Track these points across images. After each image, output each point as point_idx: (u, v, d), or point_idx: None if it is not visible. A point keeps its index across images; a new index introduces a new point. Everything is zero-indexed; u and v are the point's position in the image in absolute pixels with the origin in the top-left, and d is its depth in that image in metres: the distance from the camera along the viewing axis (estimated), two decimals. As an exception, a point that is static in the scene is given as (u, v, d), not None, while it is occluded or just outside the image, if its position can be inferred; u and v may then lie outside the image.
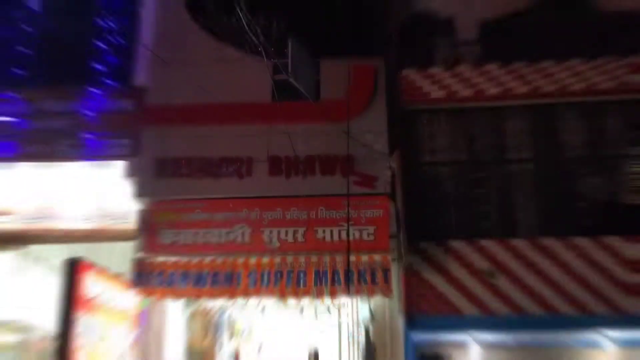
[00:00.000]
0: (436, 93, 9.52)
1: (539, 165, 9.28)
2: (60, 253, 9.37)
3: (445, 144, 9.50)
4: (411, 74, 9.61)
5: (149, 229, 8.86)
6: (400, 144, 9.12)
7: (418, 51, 9.88)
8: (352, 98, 9.05)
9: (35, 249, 10.08)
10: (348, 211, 8.31)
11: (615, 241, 8.66)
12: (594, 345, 9.07)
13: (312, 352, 11.32)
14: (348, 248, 8.19)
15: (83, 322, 7.69)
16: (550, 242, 8.71)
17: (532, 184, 9.17)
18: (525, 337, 8.90)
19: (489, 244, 8.79)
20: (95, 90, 9.74)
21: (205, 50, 9.69)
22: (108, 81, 10.00)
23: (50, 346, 12.86)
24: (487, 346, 9.16)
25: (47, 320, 11.90)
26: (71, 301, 7.57)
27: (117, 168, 9.40)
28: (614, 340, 8.84)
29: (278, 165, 9.02)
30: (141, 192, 9.08)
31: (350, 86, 9.17)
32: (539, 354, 9.17)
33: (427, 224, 9.06)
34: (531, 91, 9.38)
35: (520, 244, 8.75)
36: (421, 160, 9.45)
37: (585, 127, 9.31)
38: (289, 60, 8.26)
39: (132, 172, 9.16)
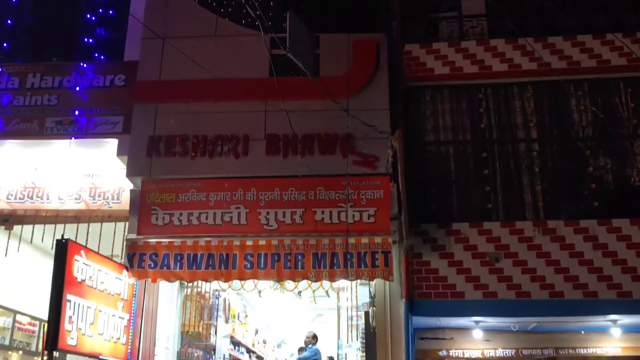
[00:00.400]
0: (440, 69, 9.26)
1: (545, 145, 9.01)
2: (50, 234, 9.20)
3: (449, 123, 9.24)
4: (414, 49, 9.34)
5: (142, 210, 8.61)
6: (403, 122, 8.83)
7: (422, 26, 9.57)
8: (352, 74, 8.79)
9: (23, 229, 9.80)
10: (347, 192, 8.07)
11: (623, 224, 8.41)
12: (600, 330, 8.92)
13: (310, 335, 11.15)
14: (347, 230, 7.97)
15: (74, 305, 7.46)
16: (557, 225, 8.46)
17: (538, 164, 8.91)
18: (529, 321, 8.73)
19: (493, 227, 8.56)
20: (84, 65, 9.45)
21: (200, 24, 9.41)
22: (98, 56, 9.73)
23: (40, 328, 12.77)
24: (490, 331, 9.00)
25: (36, 303, 11.77)
26: (62, 283, 7.36)
27: (108, 146, 9.14)
28: (620, 325, 8.68)
29: (275, 144, 8.77)
30: (133, 171, 8.84)
31: (351, 62, 8.87)
32: (543, 339, 9.03)
33: (429, 206, 8.85)
34: (539, 68, 9.07)
35: (525, 226, 8.51)
36: (424, 140, 9.21)
37: (594, 105, 9.02)
38: (287, 35, 8.02)
39: (123, 151, 8.89)
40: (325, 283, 8.91)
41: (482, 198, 8.86)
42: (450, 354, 9.08)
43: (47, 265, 8.26)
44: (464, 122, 9.24)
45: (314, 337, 10.97)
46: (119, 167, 9.20)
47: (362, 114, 8.57)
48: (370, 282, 8.96)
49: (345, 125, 8.44)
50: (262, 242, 8.41)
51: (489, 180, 8.91)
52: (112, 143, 9.06)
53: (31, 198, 9.53)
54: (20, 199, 9.53)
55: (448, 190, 8.97)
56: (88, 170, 9.61)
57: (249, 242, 8.42)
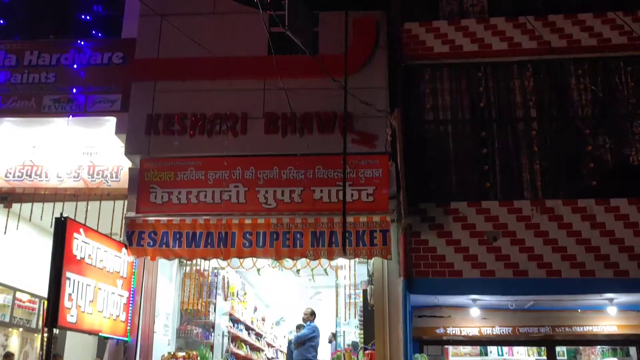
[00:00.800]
0: (440, 47, 9.20)
1: (544, 124, 8.98)
2: (49, 212, 9.20)
3: (448, 102, 9.20)
4: (414, 28, 9.29)
5: (141, 188, 8.61)
6: (402, 101, 8.80)
7: (421, 3, 9.49)
8: (351, 52, 8.70)
9: (22, 208, 9.80)
10: (344, 170, 8.06)
11: (621, 203, 8.42)
12: (596, 308, 8.98)
13: (308, 312, 11.23)
14: (344, 208, 7.97)
15: (74, 282, 7.50)
16: (555, 204, 8.48)
17: (537, 143, 8.88)
18: (526, 300, 8.78)
19: (492, 206, 8.57)
20: (82, 43, 9.38)
21: (198, 1, 9.35)
22: (95, 33, 9.65)
23: (40, 306, 12.84)
24: (488, 309, 9.06)
25: (36, 280, 11.82)
26: (61, 261, 7.38)
27: (106, 124, 9.12)
28: (617, 304, 8.73)
29: (274, 123, 8.75)
30: (132, 150, 8.82)
31: (350, 40, 8.81)
32: (540, 317, 9.09)
33: (428, 185, 8.84)
34: (539, 46, 9.03)
35: (523, 205, 8.52)
36: (423, 119, 9.17)
37: (594, 84, 8.99)
38: (286, 12, 7.97)
39: (122, 129, 8.87)
40: (324, 261, 8.95)
41: (481, 177, 8.85)
42: (448, 331, 9.15)
43: (47, 244, 8.28)
44: (463, 101, 9.20)
45: (312, 314, 11.04)
46: (118, 145, 9.18)
47: (361, 93, 8.53)
48: (369, 260, 9.00)
49: (344, 104, 8.40)
50: (260, 220, 8.42)
51: (487, 159, 8.90)
52: (111, 121, 9.04)
53: (30, 176, 9.53)
54: (18, 177, 9.53)
55: (446, 169, 8.95)
56: (86, 149, 9.59)
57: (248, 221, 8.43)
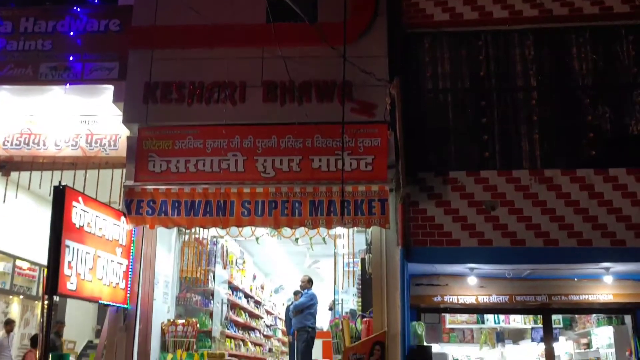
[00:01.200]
0: (440, 15, 9.11)
1: (544, 93, 8.93)
2: (47, 181, 9.20)
3: (448, 70, 9.14)
4: (414, -5, 9.14)
5: (139, 157, 8.59)
6: (401, 69, 8.73)
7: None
8: (350, 20, 8.60)
9: (20, 176, 9.79)
10: (343, 139, 8.04)
11: (619, 173, 8.42)
12: (593, 277, 9.06)
13: (306, 279, 11.31)
14: (342, 177, 7.97)
15: (73, 250, 7.52)
16: (553, 174, 8.48)
17: (537, 113, 8.84)
18: (523, 269, 8.84)
19: (490, 175, 8.58)
20: (78, 9, 9.27)
21: (195, -33, 9.17)
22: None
23: (40, 273, 12.92)
24: (485, 278, 9.13)
25: (36, 248, 11.88)
26: (60, 229, 7.39)
27: (104, 92, 9.06)
28: (613, 273, 8.80)
29: (273, 91, 8.70)
30: (130, 118, 8.79)
31: (350, 8, 8.69)
32: (536, 286, 9.16)
33: (426, 154, 8.84)
34: (540, 15, 8.93)
35: (522, 175, 8.53)
36: (422, 87, 9.12)
37: (595, 53, 8.92)
38: (285, -22, 7.80)
39: (119, 97, 8.82)
40: (322, 230, 8.97)
41: (480, 146, 8.83)
42: (445, 299, 9.24)
43: (46, 212, 8.29)
44: (463, 69, 9.14)
45: (309, 281, 11.12)
46: (115, 113, 9.14)
47: (360, 61, 8.44)
48: (367, 229, 9.02)
49: (343, 72, 8.33)
50: (259, 189, 8.42)
51: (486, 128, 8.87)
52: (108, 89, 8.99)
53: (27, 144, 9.51)
54: (16, 145, 9.50)
55: (446, 139, 8.93)
56: (84, 117, 9.56)
57: (246, 190, 8.43)
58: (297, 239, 10.01)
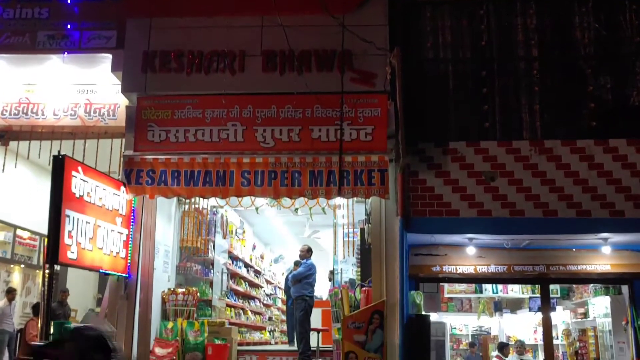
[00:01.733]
0: (441, -17, 8.98)
1: (546, 64, 8.86)
2: (47, 151, 9.18)
3: (448, 40, 9.05)
4: (414, -38, 9.03)
5: (138, 126, 8.56)
6: (402, 39, 8.65)
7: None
8: (350, -13, 8.49)
9: (19, 146, 9.77)
10: (342, 109, 8.00)
11: (619, 144, 8.41)
12: (591, 247, 9.09)
13: (305, 249, 11.35)
14: (340, 147, 7.95)
15: (73, 220, 7.54)
16: (553, 145, 8.47)
17: (538, 83, 8.78)
18: (522, 239, 8.88)
19: (490, 146, 8.56)
20: (75, -24, 9.17)
21: None
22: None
23: (40, 243, 12.99)
24: (484, 248, 9.17)
25: (36, 218, 11.91)
26: (60, 198, 7.40)
27: (102, 61, 8.99)
28: (611, 243, 8.83)
29: (272, 60, 8.63)
30: (128, 87, 8.74)
31: (350, -25, 8.57)
32: (535, 256, 9.21)
33: (426, 124, 8.78)
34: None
35: (522, 146, 8.51)
36: (423, 57, 9.04)
37: (598, 22, 8.82)
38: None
39: (118, 66, 8.76)
40: (322, 200, 8.98)
41: (480, 117, 8.79)
42: (444, 269, 9.29)
43: (46, 182, 8.30)
44: (464, 39, 9.06)
45: (309, 251, 11.15)
46: (114, 82, 9.09)
47: (360, 30, 8.37)
48: (367, 199, 9.04)
49: (342, 41, 8.25)
50: (258, 159, 8.40)
51: (487, 99, 8.82)
52: (107, 58, 8.92)
53: (26, 114, 9.46)
54: (15, 114, 9.46)
55: (446, 109, 8.90)
56: (83, 86, 9.50)
57: (246, 160, 8.42)
58: (296, 209, 10.03)
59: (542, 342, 10.56)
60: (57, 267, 7.63)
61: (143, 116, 8.58)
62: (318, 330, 10.63)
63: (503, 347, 11.35)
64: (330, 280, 12.56)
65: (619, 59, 8.83)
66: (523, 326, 12.75)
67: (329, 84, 8.41)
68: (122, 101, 9.13)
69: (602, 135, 8.47)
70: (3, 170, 9.66)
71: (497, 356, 11.12)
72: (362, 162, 8.26)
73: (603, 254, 9.08)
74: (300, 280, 10.59)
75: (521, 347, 11.46)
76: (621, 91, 8.73)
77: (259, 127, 8.44)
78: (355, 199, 8.93)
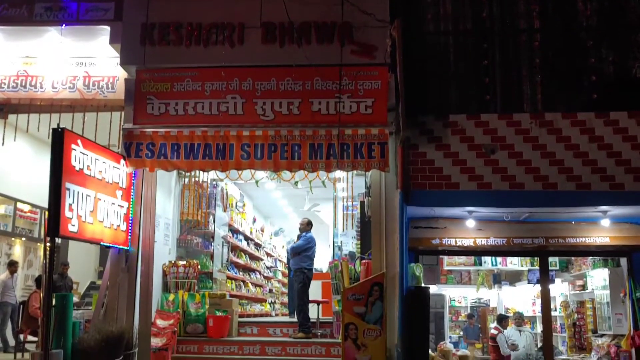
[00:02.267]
0: (442, -45, 8.85)
1: (547, 35, 8.78)
2: (46, 124, 9.16)
3: (449, 12, 8.95)
4: None
5: (137, 99, 8.52)
6: (402, 11, 8.56)
7: None
8: (351, -42, 8.38)
9: (18, 119, 9.73)
10: (340, 81, 7.95)
11: (620, 117, 8.38)
12: (590, 220, 9.12)
13: (305, 222, 11.39)
14: (339, 119, 7.93)
15: (74, 193, 7.55)
16: (554, 117, 8.43)
17: (539, 55, 8.71)
18: (522, 212, 8.90)
19: (491, 118, 8.53)
20: (72, -54, 9.05)
21: None
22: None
23: (41, 216, 13.03)
24: (483, 220, 9.20)
25: (36, 191, 11.93)
26: (60, 172, 7.39)
27: (100, 33, 8.92)
28: (610, 216, 8.86)
29: (272, 33, 8.55)
30: (127, 60, 8.67)
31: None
32: (534, 229, 9.24)
33: (427, 97, 8.74)
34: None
35: (522, 118, 8.48)
36: (423, 29, 8.95)
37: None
38: None
39: (116, 39, 8.69)
40: (322, 174, 8.99)
41: (481, 89, 8.73)
42: (443, 242, 9.32)
43: (45, 155, 8.28)
44: (465, 11, 8.95)
45: (309, 224, 11.19)
46: (112, 55, 9.02)
47: (360, 2, 8.30)
48: (366, 172, 9.04)
49: (341, 13, 8.17)
50: (258, 132, 8.38)
51: (488, 71, 8.75)
52: (105, 31, 8.84)
53: (24, 87, 9.41)
54: (13, 87, 9.40)
55: (446, 81, 8.84)
56: (81, 59, 9.42)
57: (246, 133, 8.39)
58: (296, 182, 10.05)
59: (540, 314, 10.65)
60: (58, 240, 7.65)
61: (142, 89, 8.54)
62: (318, 302, 10.73)
63: (502, 319, 11.46)
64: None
65: (621, 31, 8.75)
66: (522, 298, 12.86)
67: (329, 56, 8.35)
68: (121, 74, 9.08)
69: (603, 108, 8.43)
70: (2, 143, 9.63)
71: (495, 327, 11.23)
72: (362, 135, 8.24)
73: (602, 227, 9.10)
74: (299, 253, 10.66)
75: (519, 319, 11.57)
76: (623, 64, 8.66)
77: (258, 100, 8.40)
78: (355, 172, 8.96)
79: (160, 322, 9.37)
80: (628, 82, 8.63)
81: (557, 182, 8.25)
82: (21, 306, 10.84)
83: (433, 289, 9.79)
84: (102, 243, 8.31)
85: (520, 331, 11.22)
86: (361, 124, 8.24)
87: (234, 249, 13.43)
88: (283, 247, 19.31)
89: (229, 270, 12.55)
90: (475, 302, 13.52)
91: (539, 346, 11.16)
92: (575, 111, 8.44)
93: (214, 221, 11.65)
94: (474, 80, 8.79)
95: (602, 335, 10.30)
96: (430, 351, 8.57)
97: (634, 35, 8.68)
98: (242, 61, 8.53)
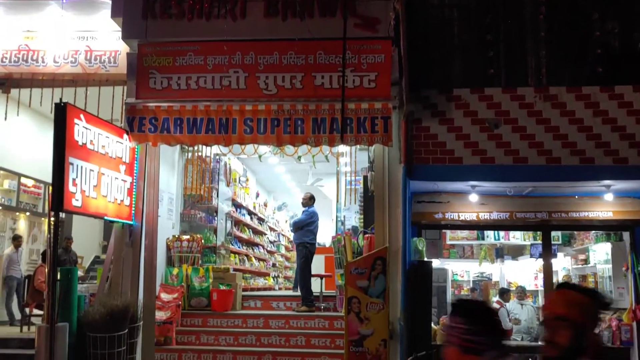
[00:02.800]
0: None
1: (552, 8, 8.67)
2: (48, 98, 9.14)
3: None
4: None
5: (140, 73, 8.48)
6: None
7: None
8: None
9: (21, 93, 9.71)
10: (344, 55, 7.89)
11: (625, 91, 8.32)
12: (593, 195, 9.11)
13: (307, 197, 11.41)
14: (343, 94, 7.87)
15: (77, 167, 7.56)
16: (558, 91, 8.38)
17: (544, 29, 8.62)
18: (525, 186, 8.88)
19: (495, 93, 8.47)
20: None
21: None
22: None
23: (45, 191, 13.05)
24: (486, 195, 9.19)
25: (40, 166, 11.94)
26: (63, 146, 7.39)
27: (102, 7, 8.86)
28: (613, 190, 8.84)
29: (274, 6, 8.47)
30: (129, 34, 8.62)
31: None
32: (537, 203, 9.24)
33: (430, 71, 8.68)
34: None
35: (526, 92, 8.43)
36: (427, 3, 8.86)
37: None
38: None
39: (117, 12, 8.62)
40: (325, 148, 8.97)
41: (484, 63, 8.65)
42: (446, 216, 9.33)
43: (48, 130, 8.27)
44: (469, -17, 8.87)
45: (311, 199, 11.21)
46: (114, 29, 8.96)
47: (363, -26, 8.21)
48: (370, 147, 9.03)
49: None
50: (261, 107, 8.34)
51: (492, 45, 8.67)
52: (106, 4, 8.78)
53: (26, 61, 9.38)
54: (15, 61, 9.37)
55: (450, 55, 8.78)
56: (83, 33, 9.38)
57: (249, 107, 8.35)
58: (299, 157, 10.05)
59: (542, 288, 10.70)
60: (62, 215, 7.68)
61: (144, 63, 8.49)
62: (321, 276, 10.79)
63: (504, 293, 11.51)
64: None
65: (626, 4, 8.65)
66: (524, 272, 12.89)
67: (331, 29, 8.26)
68: (123, 48, 9.03)
69: (608, 81, 8.37)
70: (5, 118, 9.63)
71: (497, 301, 11.28)
72: (365, 109, 8.19)
73: (605, 201, 9.09)
74: (302, 227, 10.69)
75: (521, 293, 11.62)
76: (628, 37, 8.58)
77: (261, 74, 8.35)
78: (358, 146, 8.92)
79: (164, 296, 9.45)
80: (633, 56, 8.55)
81: (560, 157, 8.22)
82: (27, 280, 10.93)
83: (436, 263, 9.83)
84: (105, 217, 8.35)
85: (522, 305, 11.27)
86: (364, 98, 8.20)
87: (237, 223, 13.47)
88: (286, 221, 19.37)
89: (232, 245, 12.60)
90: (477, 276, 13.56)
91: (540, 319, 11.23)
92: (579, 85, 8.38)
93: (217, 196, 11.68)
94: (478, 54, 8.71)
95: (603, 309, 10.34)
96: (432, 325, 8.64)
97: (639, 9, 8.57)
98: (244, 35, 8.47)
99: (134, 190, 8.75)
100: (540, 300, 11.69)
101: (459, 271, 13.66)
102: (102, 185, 8.08)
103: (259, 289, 13.30)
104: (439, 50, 8.80)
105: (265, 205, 16.83)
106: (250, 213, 14.63)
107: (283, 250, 19.04)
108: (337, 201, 11.41)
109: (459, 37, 8.81)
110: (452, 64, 8.78)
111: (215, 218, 11.65)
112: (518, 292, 11.70)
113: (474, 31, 8.80)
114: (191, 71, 8.41)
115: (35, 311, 10.11)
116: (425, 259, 8.51)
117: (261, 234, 15.91)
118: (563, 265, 12.25)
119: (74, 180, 7.51)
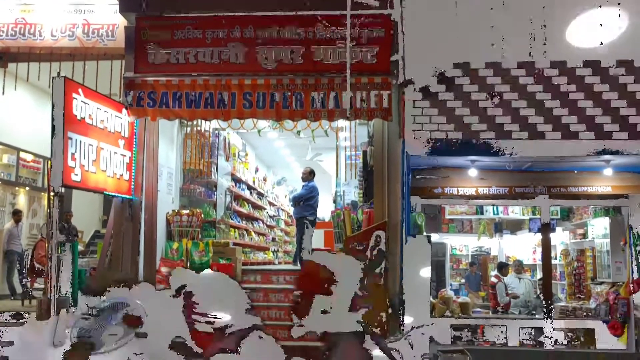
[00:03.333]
0: None
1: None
2: (46, 72, 9.09)
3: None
4: None
5: (138, 47, 8.41)
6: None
7: None
8: None
9: (18, 68, 9.66)
10: (348, 29, 7.83)
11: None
12: (592, 169, 9.12)
13: (307, 171, 11.40)
14: (348, 67, 7.82)
15: (76, 142, 7.54)
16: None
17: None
18: (524, 161, 8.88)
19: (495, 65, 8.39)
20: None
21: None
22: None
23: (44, 165, 13.05)
24: (485, 170, 9.19)
25: (39, 141, 11.91)
26: (62, 121, 7.35)
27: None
28: (613, 165, 8.84)
29: (273, -22, 8.36)
30: (126, 7, 8.53)
31: None
32: (536, 178, 9.25)
33: (430, 45, 8.56)
34: None
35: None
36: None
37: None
38: None
39: (115, -15, 8.54)
40: (324, 123, 8.94)
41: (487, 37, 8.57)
42: (445, 191, 9.36)
43: (47, 104, 8.24)
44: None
45: (311, 173, 11.19)
46: (112, 2, 8.88)
47: (364, -54, 8.11)
48: (369, 122, 8.99)
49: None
50: (260, 81, 8.29)
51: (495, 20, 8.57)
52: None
53: (23, 34, 9.31)
54: (12, 35, 9.30)
55: (451, 30, 8.64)
56: (80, 6, 9.29)
57: (247, 81, 8.31)
58: (298, 132, 10.02)
59: (540, 262, 10.76)
60: (61, 189, 7.69)
61: (142, 37, 8.42)
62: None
63: (502, 267, 11.57)
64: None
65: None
66: (522, 247, 12.95)
67: (331, 3, 8.19)
68: (121, 22, 8.95)
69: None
70: (3, 92, 9.58)
71: (495, 275, 11.34)
72: (365, 84, 8.15)
73: (605, 176, 9.11)
74: (301, 202, 10.70)
75: (519, 267, 11.68)
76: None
77: (260, 48, 8.29)
78: (357, 121, 8.88)
79: (164, 270, 9.47)
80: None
81: (561, 131, 8.19)
82: (27, 254, 10.97)
83: (435, 237, 9.86)
84: (105, 192, 8.36)
85: (519, 279, 11.34)
86: (364, 72, 8.15)
87: (237, 198, 13.47)
88: (286, 196, 19.37)
89: (231, 219, 12.62)
90: (476, 250, 13.63)
91: (538, 293, 11.31)
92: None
93: (217, 170, 11.66)
94: (480, 28, 8.61)
95: (601, 283, 10.41)
96: (431, 298, 8.70)
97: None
98: (243, 8, 8.38)
99: (133, 164, 8.75)
100: (539, 274, 11.75)
101: (458, 245, 13.74)
102: (101, 160, 8.08)
103: (258, 263, 13.35)
104: (440, 25, 8.64)
105: (265, 179, 16.82)
106: (249, 188, 14.63)
107: (283, 225, 19.08)
108: (337, 176, 11.40)
109: (460, 10, 8.68)
110: (452, 38, 8.66)
111: (215, 193, 11.64)
112: (516, 265, 11.76)
113: (476, 8, 8.66)
114: (190, 45, 8.35)
115: (36, 285, 10.16)
116: (425, 234, 8.53)
117: (261, 208, 15.92)
118: (561, 240, 12.30)
119: (72, 154, 7.50)
